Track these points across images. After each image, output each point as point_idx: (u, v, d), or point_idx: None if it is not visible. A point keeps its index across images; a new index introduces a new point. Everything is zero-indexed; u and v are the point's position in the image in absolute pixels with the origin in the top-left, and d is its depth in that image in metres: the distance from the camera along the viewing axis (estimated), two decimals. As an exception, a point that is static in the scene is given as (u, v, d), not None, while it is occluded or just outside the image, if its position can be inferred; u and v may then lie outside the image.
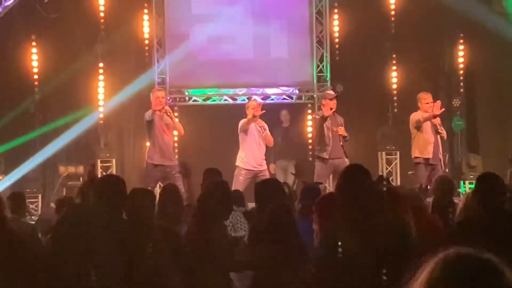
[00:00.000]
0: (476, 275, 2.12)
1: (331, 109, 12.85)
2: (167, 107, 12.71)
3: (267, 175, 12.59)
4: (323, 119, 12.80)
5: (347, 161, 12.65)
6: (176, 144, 14.13)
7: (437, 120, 12.83)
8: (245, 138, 12.79)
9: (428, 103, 12.83)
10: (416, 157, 12.80)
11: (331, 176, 13.51)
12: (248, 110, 12.74)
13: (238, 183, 12.31)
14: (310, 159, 15.12)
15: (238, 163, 12.77)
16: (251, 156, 12.74)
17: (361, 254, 4.67)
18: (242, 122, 12.78)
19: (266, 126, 12.93)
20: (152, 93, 12.78)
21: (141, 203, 6.08)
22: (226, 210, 6.61)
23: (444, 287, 2.12)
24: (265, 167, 12.96)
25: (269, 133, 12.96)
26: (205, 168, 9.19)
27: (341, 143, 12.92)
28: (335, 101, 12.95)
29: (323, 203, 5.46)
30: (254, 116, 12.57)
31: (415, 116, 12.81)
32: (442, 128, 12.93)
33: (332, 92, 13.56)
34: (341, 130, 12.87)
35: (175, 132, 13.15)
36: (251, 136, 12.79)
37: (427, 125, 12.71)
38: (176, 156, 13.51)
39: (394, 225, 4.74)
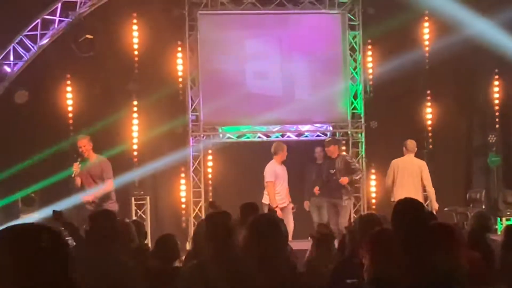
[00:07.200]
0: None
1: (330, 155, 13.67)
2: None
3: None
4: None
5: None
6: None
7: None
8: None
9: None
10: None
11: None
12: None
13: None
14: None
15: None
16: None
17: None
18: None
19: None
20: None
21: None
22: None
23: None
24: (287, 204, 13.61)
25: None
26: (239, 205, 8.92)
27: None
28: (336, 146, 13.73)
29: (376, 238, 5.28)
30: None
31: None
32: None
33: (329, 138, 14.31)
34: (344, 180, 13.55)
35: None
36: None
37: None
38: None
39: (448, 263, 4.59)
